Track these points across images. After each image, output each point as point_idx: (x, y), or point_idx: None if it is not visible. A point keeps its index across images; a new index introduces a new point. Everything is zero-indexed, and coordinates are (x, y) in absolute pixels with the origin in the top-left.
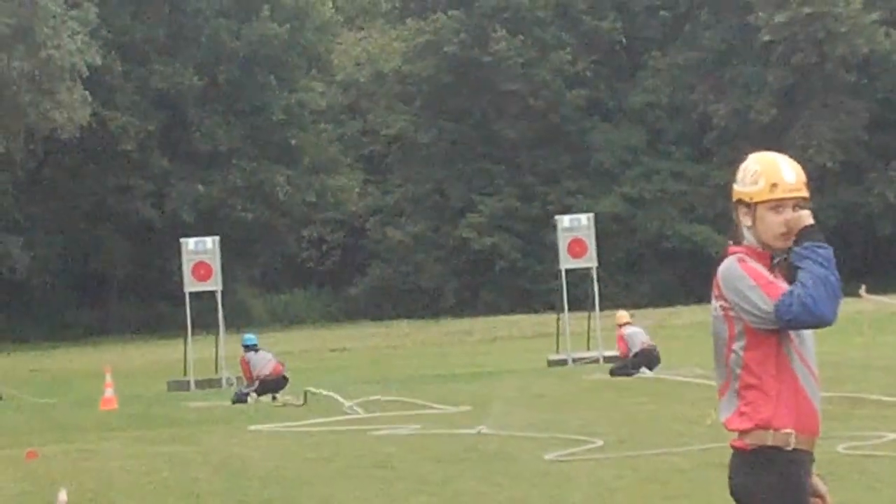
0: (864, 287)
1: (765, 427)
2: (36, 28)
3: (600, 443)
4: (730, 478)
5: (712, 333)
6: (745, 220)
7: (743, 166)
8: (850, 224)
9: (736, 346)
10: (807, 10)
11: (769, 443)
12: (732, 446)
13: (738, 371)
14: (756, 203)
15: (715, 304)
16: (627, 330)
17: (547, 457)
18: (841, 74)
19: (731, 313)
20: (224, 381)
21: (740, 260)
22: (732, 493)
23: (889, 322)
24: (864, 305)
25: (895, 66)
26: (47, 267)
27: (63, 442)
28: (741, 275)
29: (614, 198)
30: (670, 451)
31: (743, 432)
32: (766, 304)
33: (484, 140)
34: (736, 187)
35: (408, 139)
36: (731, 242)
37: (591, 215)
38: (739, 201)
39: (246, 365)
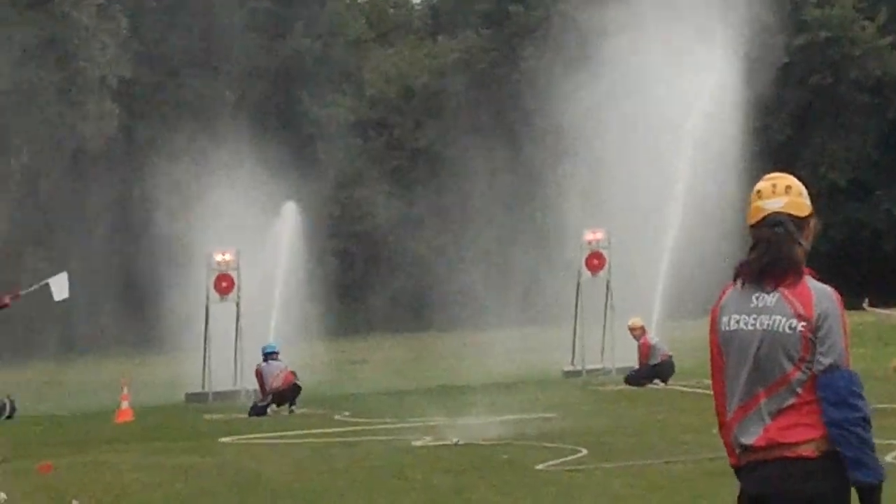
0: (867, 300)
1: (829, 437)
2: (66, 40)
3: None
4: (791, 489)
5: (747, 347)
6: (807, 233)
7: (798, 183)
8: (857, 239)
9: (805, 366)
10: (825, 34)
11: (834, 448)
12: (789, 457)
13: (800, 390)
14: (808, 216)
15: (789, 321)
16: (653, 340)
17: (538, 467)
18: (854, 95)
19: (811, 335)
20: (242, 394)
21: (838, 296)
22: (797, 502)
23: (891, 333)
24: (868, 317)
25: None
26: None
27: (77, 454)
28: (840, 318)
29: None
30: (677, 459)
31: (805, 442)
32: (839, 360)
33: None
34: (807, 202)
35: (433, 153)
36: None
37: (608, 230)
38: (810, 215)
39: (260, 377)
